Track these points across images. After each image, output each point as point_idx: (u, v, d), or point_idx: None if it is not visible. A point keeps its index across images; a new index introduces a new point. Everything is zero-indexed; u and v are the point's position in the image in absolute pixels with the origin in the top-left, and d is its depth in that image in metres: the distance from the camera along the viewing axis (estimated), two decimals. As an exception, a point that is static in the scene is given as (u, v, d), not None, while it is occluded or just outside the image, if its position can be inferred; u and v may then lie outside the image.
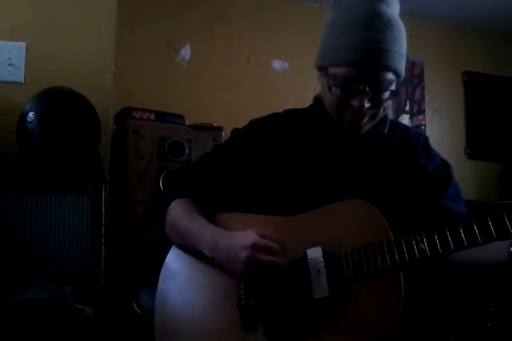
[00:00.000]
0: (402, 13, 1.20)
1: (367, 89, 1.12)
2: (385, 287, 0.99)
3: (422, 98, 3.90)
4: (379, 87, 1.14)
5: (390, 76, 1.14)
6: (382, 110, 1.18)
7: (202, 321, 1.14)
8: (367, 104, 1.13)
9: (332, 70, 1.16)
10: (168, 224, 1.24)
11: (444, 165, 1.29)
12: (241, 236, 1.10)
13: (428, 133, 3.81)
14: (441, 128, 3.93)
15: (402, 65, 1.16)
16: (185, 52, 3.36)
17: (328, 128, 1.25)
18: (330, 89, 1.16)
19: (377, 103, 1.15)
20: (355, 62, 1.12)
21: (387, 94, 1.16)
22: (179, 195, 1.26)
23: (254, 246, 1.07)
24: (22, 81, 2.25)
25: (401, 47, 1.15)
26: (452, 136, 3.93)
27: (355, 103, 1.14)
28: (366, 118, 1.17)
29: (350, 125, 1.19)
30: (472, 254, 1.03)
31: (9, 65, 2.24)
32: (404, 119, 3.82)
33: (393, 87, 1.16)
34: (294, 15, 3.49)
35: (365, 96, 1.13)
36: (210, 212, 1.24)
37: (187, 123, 2.59)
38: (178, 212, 1.23)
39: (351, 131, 1.21)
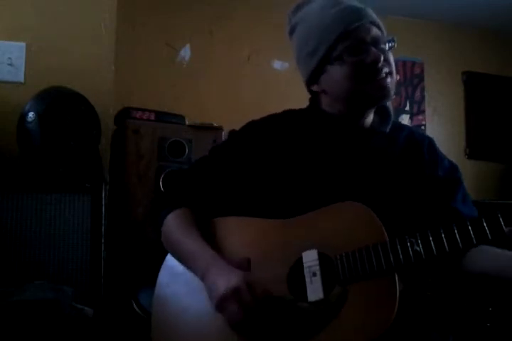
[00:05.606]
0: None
1: (370, 46, 1.15)
2: (381, 290, 0.98)
3: (422, 98, 3.90)
4: (378, 41, 1.16)
5: (380, 32, 1.18)
6: (395, 72, 1.19)
7: (197, 324, 1.13)
8: (382, 56, 1.15)
9: (334, 54, 1.17)
10: (164, 238, 1.24)
11: (453, 168, 1.28)
12: (224, 280, 1.07)
13: (428, 133, 3.80)
14: (441, 128, 3.93)
15: (382, 25, 1.20)
16: (185, 52, 3.36)
17: (327, 127, 1.24)
18: (343, 65, 1.16)
19: (386, 57, 1.17)
20: (343, 31, 1.15)
21: (388, 49, 1.18)
22: (177, 205, 1.25)
23: (232, 297, 1.04)
24: (22, 81, 2.25)
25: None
26: (452, 136, 3.93)
27: (371, 56, 1.14)
28: (388, 79, 1.16)
29: (377, 90, 1.16)
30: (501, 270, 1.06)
31: (9, 64, 2.24)
32: (404, 119, 3.82)
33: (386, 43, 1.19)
34: (294, 15, 3.48)
35: (374, 49, 1.15)
36: (209, 218, 1.24)
37: (187, 123, 2.59)
38: (175, 226, 1.22)
39: (380, 98, 1.19)
